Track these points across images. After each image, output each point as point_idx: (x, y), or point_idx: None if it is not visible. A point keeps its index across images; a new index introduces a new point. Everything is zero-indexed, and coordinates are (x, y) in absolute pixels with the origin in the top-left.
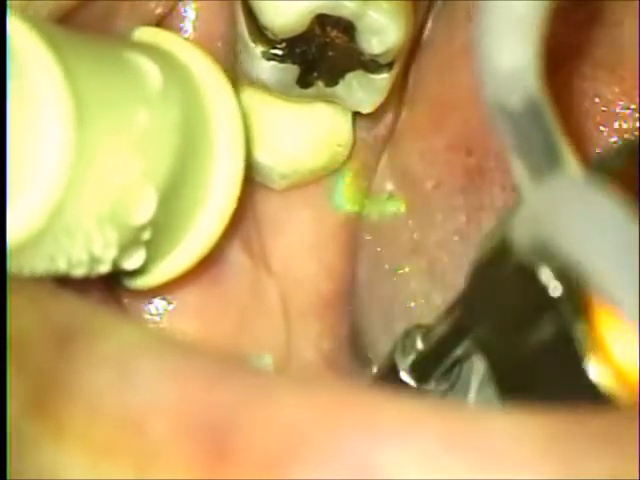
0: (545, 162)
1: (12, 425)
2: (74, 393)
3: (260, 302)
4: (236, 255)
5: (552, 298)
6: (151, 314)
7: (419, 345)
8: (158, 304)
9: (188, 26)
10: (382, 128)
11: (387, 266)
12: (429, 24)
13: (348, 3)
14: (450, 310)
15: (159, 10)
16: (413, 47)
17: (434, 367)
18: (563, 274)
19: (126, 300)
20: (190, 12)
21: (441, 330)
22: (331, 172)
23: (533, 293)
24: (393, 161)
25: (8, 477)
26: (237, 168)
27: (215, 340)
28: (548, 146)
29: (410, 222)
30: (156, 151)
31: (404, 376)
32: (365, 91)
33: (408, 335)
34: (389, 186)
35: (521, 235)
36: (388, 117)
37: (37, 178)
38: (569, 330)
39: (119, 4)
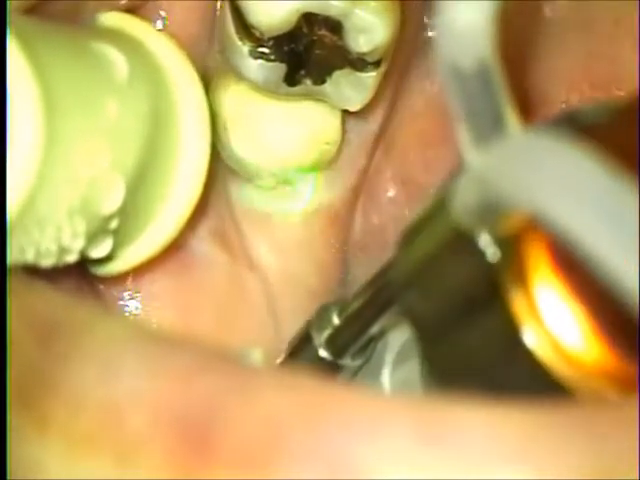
0: (489, 127)
1: None
2: (57, 387)
3: (241, 296)
4: (208, 248)
5: (488, 265)
6: (126, 302)
7: (335, 320)
8: (132, 292)
9: (159, 22)
10: (373, 126)
11: None
12: (431, 39)
13: (335, 2)
14: (369, 285)
15: (125, 2)
16: (410, 48)
17: (350, 343)
18: (500, 241)
19: (102, 287)
20: (161, 9)
21: (359, 304)
22: (319, 170)
23: (468, 260)
24: (396, 169)
25: (8, 477)
26: (203, 156)
27: (194, 331)
28: (493, 111)
29: None
30: (125, 141)
31: (321, 351)
32: (353, 89)
33: (325, 310)
34: (391, 192)
35: (464, 199)
36: (378, 115)
37: (8, 171)
38: (505, 298)
39: None
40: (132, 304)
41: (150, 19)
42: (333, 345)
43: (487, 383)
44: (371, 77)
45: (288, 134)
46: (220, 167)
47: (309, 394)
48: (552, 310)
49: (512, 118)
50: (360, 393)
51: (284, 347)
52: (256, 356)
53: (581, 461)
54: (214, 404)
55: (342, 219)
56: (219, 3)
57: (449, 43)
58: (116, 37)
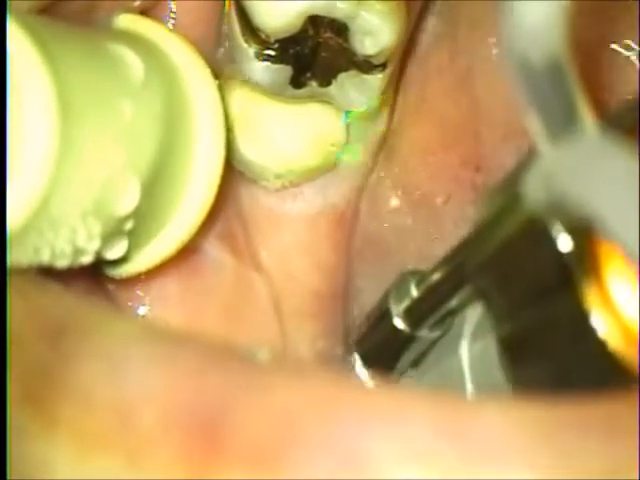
0: (563, 121)
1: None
2: (66, 385)
3: (247, 298)
4: (216, 251)
5: (561, 253)
6: (135, 303)
7: (413, 292)
8: (142, 293)
9: (167, 23)
10: (378, 128)
11: (391, 275)
12: (433, 45)
13: (341, 4)
14: (448, 259)
15: (139, 4)
16: (407, 48)
17: (428, 315)
18: (573, 230)
19: (111, 287)
20: (169, 10)
21: (437, 278)
22: (325, 171)
23: (541, 247)
24: (399, 177)
25: (8, 477)
26: (217, 157)
27: (201, 332)
28: (567, 105)
29: (417, 232)
30: (140, 142)
31: (397, 322)
32: (358, 91)
33: (402, 281)
34: (393, 199)
35: (534, 190)
36: (383, 117)
37: (22, 172)
38: (577, 285)
39: None
40: (141, 305)
41: (158, 20)
42: (410, 316)
43: (555, 365)
44: (376, 79)
45: (294, 136)
46: (227, 169)
47: (321, 389)
48: (623, 299)
49: (585, 112)
50: (374, 388)
51: (287, 346)
52: (263, 356)
53: (595, 463)
54: (225, 401)
55: (347, 221)
56: (226, 5)
57: (519, 37)
58: (131, 39)
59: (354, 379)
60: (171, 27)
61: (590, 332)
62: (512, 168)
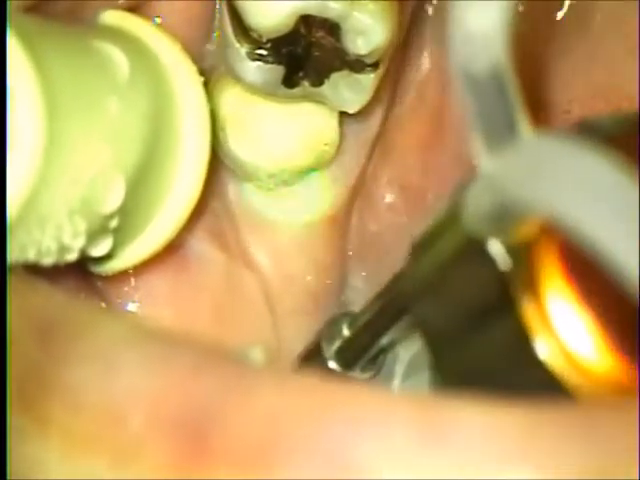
0: (502, 132)
1: None
2: (56, 386)
3: (238, 295)
4: (206, 247)
5: (501, 273)
6: (124, 300)
7: (345, 332)
8: (131, 290)
9: (156, 22)
10: (371, 127)
11: (387, 274)
12: (430, 43)
13: (333, 4)
14: (379, 295)
15: (126, 2)
16: (404, 47)
17: (359, 354)
18: (513, 249)
19: (100, 284)
20: (158, 9)
21: (368, 317)
22: (318, 171)
23: (481, 268)
24: (393, 174)
25: (8, 477)
26: (202, 155)
27: (191, 330)
28: (506, 116)
29: (413, 230)
30: (125, 140)
31: (330, 363)
32: (351, 91)
33: (335, 322)
34: (389, 198)
35: (477, 206)
36: (377, 117)
37: (10, 171)
38: (517, 307)
39: None
40: (130, 302)
41: (147, 18)
42: (343, 357)
43: (497, 391)
44: (369, 79)
45: (286, 135)
46: (218, 166)
47: (309, 393)
48: (563, 320)
49: (525, 124)
50: (360, 392)
51: (282, 346)
52: (256, 354)
53: (581, 461)
54: (213, 404)
55: (341, 220)
56: (217, 4)
57: (462, 46)
58: (117, 36)
59: (341, 382)
60: (159, 26)
61: (531, 354)
62: (450, 192)
